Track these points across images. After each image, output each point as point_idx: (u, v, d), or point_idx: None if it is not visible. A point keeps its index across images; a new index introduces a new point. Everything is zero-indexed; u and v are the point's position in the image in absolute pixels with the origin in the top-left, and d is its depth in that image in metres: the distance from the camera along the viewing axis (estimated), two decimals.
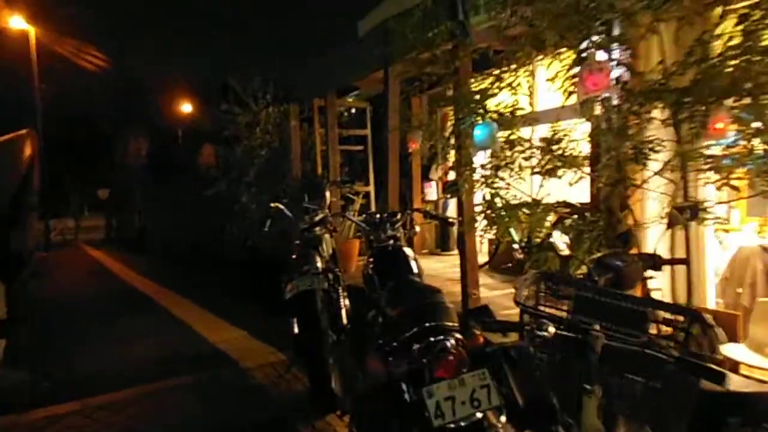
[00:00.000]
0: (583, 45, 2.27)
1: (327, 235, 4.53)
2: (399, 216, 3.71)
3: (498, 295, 5.07)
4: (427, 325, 2.22)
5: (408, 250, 3.52)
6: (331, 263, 4.64)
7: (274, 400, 3.82)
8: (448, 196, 8.49)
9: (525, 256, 5.70)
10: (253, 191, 7.10)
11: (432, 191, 8.43)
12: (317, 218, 4.49)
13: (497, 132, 2.52)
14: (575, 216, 5.42)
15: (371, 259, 3.52)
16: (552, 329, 1.71)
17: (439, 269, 6.66)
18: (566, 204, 5.76)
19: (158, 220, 13.78)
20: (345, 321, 3.81)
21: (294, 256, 3.93)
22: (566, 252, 2.45)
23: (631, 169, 3.10)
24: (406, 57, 3.47)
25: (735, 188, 2.77)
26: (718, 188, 2.88)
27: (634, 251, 2.82)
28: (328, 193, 4.95)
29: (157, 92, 22.51)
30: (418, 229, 3.81)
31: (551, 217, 3.95)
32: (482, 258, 6.32)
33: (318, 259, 3.86)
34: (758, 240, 5.18)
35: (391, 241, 3.53)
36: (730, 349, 4.23)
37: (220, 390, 4.08)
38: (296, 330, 3.61)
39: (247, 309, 6.32)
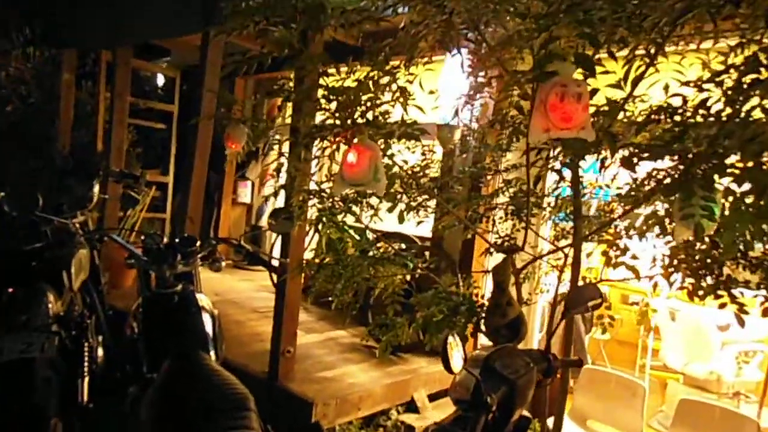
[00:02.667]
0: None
1: (83, 251, 3.06)
2: (198, 245, 2.51)
3: (316, 341, 4.10)
4: None
5: (203, 300, 2.35)
6: (88, 293, 3.21)
7: None
8: (265, 199, 7.39)
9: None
10: None
11: (247, 192, 7.25)
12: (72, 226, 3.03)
13: (381, 160, 1.54)
14: (412, 251, 4.78)
15: (140, 311, 2.28)
16: None
17: (245, 292, 5.44)
18: (401, 237, 5.10)
19: None
20: (86, 398, 2.44)
21: (10, 291, 2.43)
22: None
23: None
24: (238, 22, 2.25)
25: (634, 270, 2.24)
26: (612, 266, 2.34)
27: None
28: (96, 188, 3.46)
29: None
30: (224, 263, 2.66)
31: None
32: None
33: (51, 299, 2.43)
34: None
35: (180, 286, 2.32)
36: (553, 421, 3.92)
37: None
38: None
39: None
